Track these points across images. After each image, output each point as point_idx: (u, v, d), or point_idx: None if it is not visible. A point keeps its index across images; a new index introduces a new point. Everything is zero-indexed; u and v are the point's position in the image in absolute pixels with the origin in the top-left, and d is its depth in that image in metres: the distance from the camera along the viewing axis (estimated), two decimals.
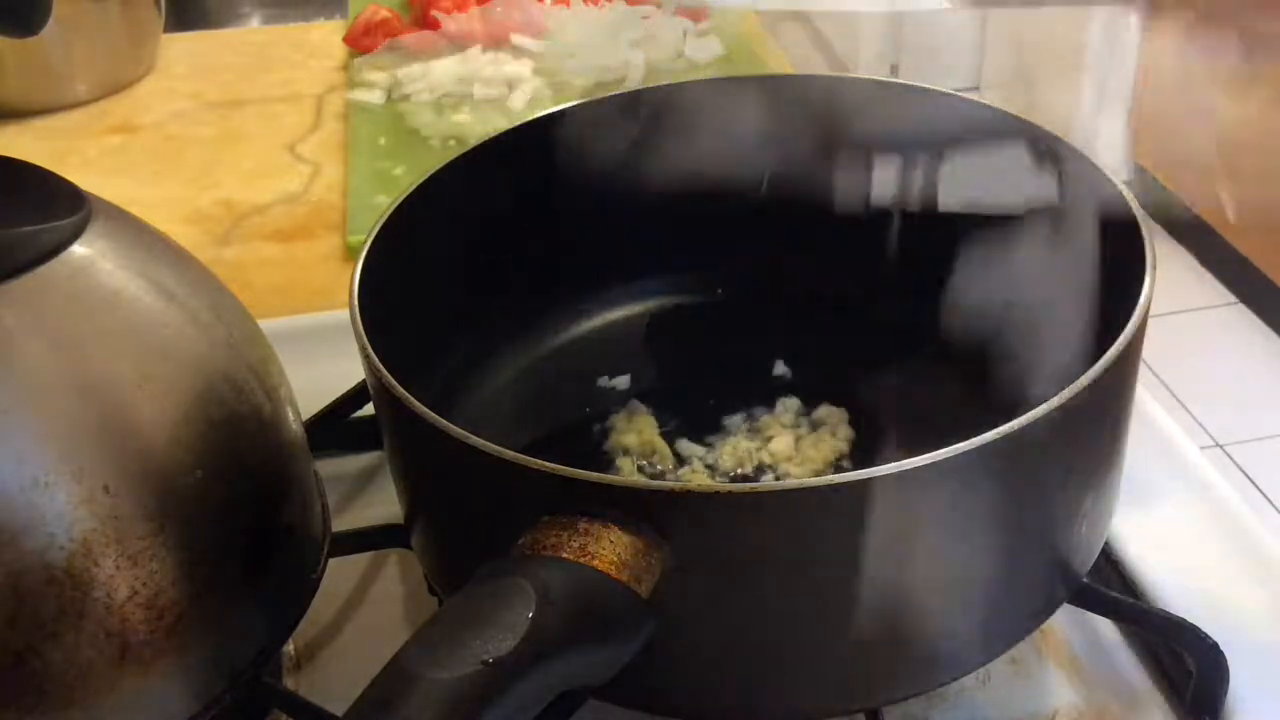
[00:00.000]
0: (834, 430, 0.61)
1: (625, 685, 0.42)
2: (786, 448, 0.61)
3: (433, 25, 1.16)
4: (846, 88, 0.66)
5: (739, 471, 0.60)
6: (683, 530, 0.41)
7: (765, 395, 0.64)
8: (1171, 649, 0.54)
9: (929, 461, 0.40)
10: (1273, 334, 2.31)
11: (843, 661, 0.46)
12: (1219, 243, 2.41)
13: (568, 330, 0.69)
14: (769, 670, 0.46)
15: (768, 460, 0.60)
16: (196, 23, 1.45)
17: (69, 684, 0.43)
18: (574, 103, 0.66)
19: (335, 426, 0.66)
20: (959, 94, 0.62)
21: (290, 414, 0.52)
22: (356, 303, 0.51)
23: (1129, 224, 0.51)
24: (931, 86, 0.63)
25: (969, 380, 0.64)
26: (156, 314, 0.46)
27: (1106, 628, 0.57)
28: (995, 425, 0.41)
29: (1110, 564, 0.59)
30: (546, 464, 0.42)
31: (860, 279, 0.68)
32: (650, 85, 0.67)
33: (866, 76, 0.63)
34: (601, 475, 0.42)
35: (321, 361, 0.65)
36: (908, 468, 0.40)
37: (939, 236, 0.64)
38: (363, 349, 0.48)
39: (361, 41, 1.17)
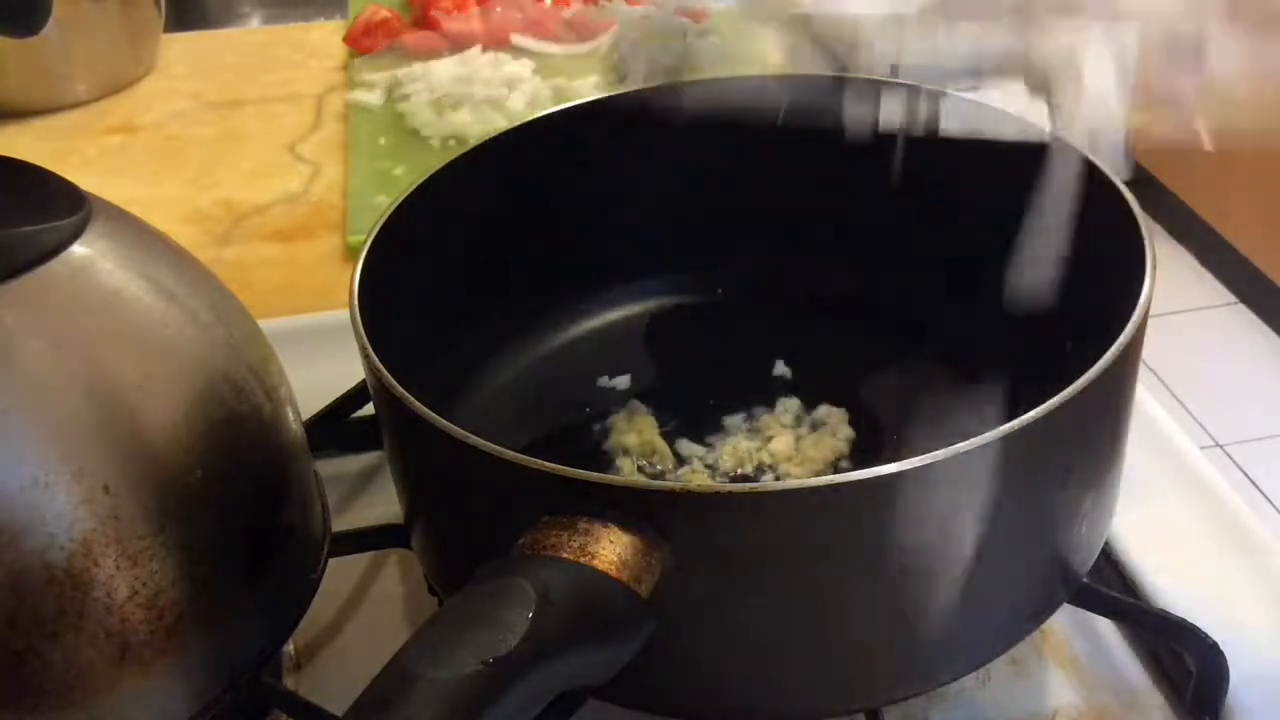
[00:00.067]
0: (834, 430, 0.61)
1: (625, 685, 0.42)
2: (786, 448, 0.61)
3: (433, 25, 1.16)
4: (846, 88, 0.66)
5: (739, 471, 0.60)
6: (683, 530, 0.41)
7: (765, 395, 0.64)
8: (1171, 649, 0.54)
9: (929, 462, 0.40)
10: (1273, 334, 2.31)
11: (843, 661, 0.46)
12: (1219, 243, 2.41)
13: (568, 330, 0.69)
14: (769, 670, 0.46)
15: (768, 460, 0.60)
16: (196, 23, 1.45)
17: (69, 684, 0.43)
18: (574, 103, 0.67)
19: (335, 426, 0.67)
20: (959, 94, 0.62)
21: (290, 414, 0.52)
22: (356, 303, 0.51)
23: (1129, 224, 0.51)
24: (932, 87, 0.63)
25: (969, 380, 0.64)
26: (156, 314, 0.46)
27: (1106, 628, 0.57)
28: (995, 425, 0.41)
29: (1110, 564, 0.59)
30: (546, 464, 0.42)
31: (860, 279, 0.68)
32: (650, 85, 0.67)
33: (866, 76, 0.63)
34: (601, 475, 0.42)
35: (321, 361, 0.65)
36: (908, 468, 0.40)
37: (939, 237, 0.64)
38: (363, 349, 0.48)
39: (361, 41, 1.17)
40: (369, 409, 0.65)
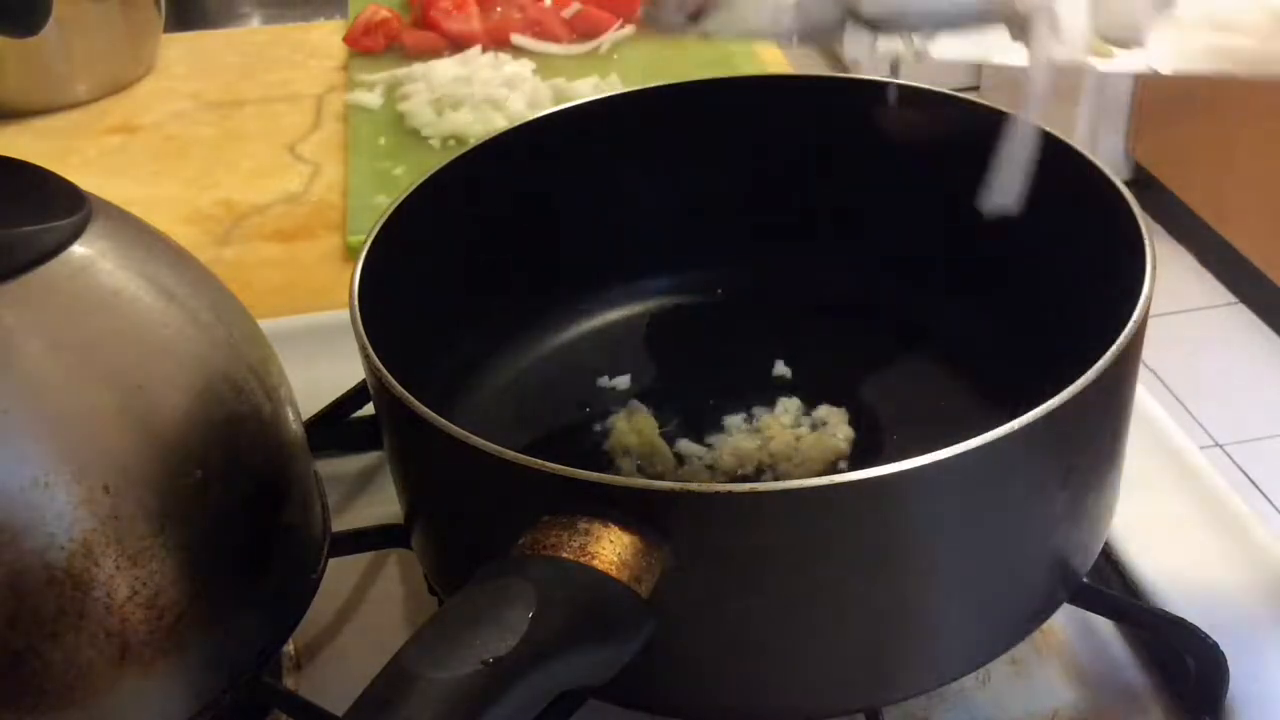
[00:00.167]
0: (834, 430, 0.61)
1: (625, 685, 0.42)
2: (786, 448, 0.60)
3: (433, 25, 1.16)
4: (846, 88, 0.66)
5: (739, 471, 0.60)
6: (683, 530, 0.41)
7: (765, 395, 0.64)
8: (1171, 649, 0.54)
9: (929, 461, 0.40)
10: (1273, 334, 2.31)
11: (843, 661, 0.46)
12: (1219, 243, 2.41)
13: (568, 330, 0.69)
14: (769, 670, 0.46)
15: (768, 460, 0.60)
16: (196, 23, 1.45)
17: (69, 684, 0.43)
18: (574, 103, 0.67)
19: (335, 426, 0.67)
20: (959, 94, 0.62)
21: (290, 414, 0.52)
22: (356, 303, 0.51)
23: (1129, 224, 0.51)
24: (931, 87, 0.63)
25: (969, 380, 0.64)
26: (156, 314, 0.46)
27: (1106, 628, 0.57)
28: (995, 425, 0.41)
29: (1110, 564, 0.59)
30: (546, 464, 0.42)
31: (860, 279, 0.68)
32: (650, 85, 0.67)
33: (866, 76, 0.63)
34: (601, 475, 0.42)
35: (321, 361, 0.65)
36: (907, 468, 0.40)
37: (939, 237, 0.64)
38: (363, 349, 0.48)
39: (361, 41, 1.17)
40: (369, 409, 0.65)
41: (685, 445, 0.61)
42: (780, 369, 0.65)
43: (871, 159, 0.65)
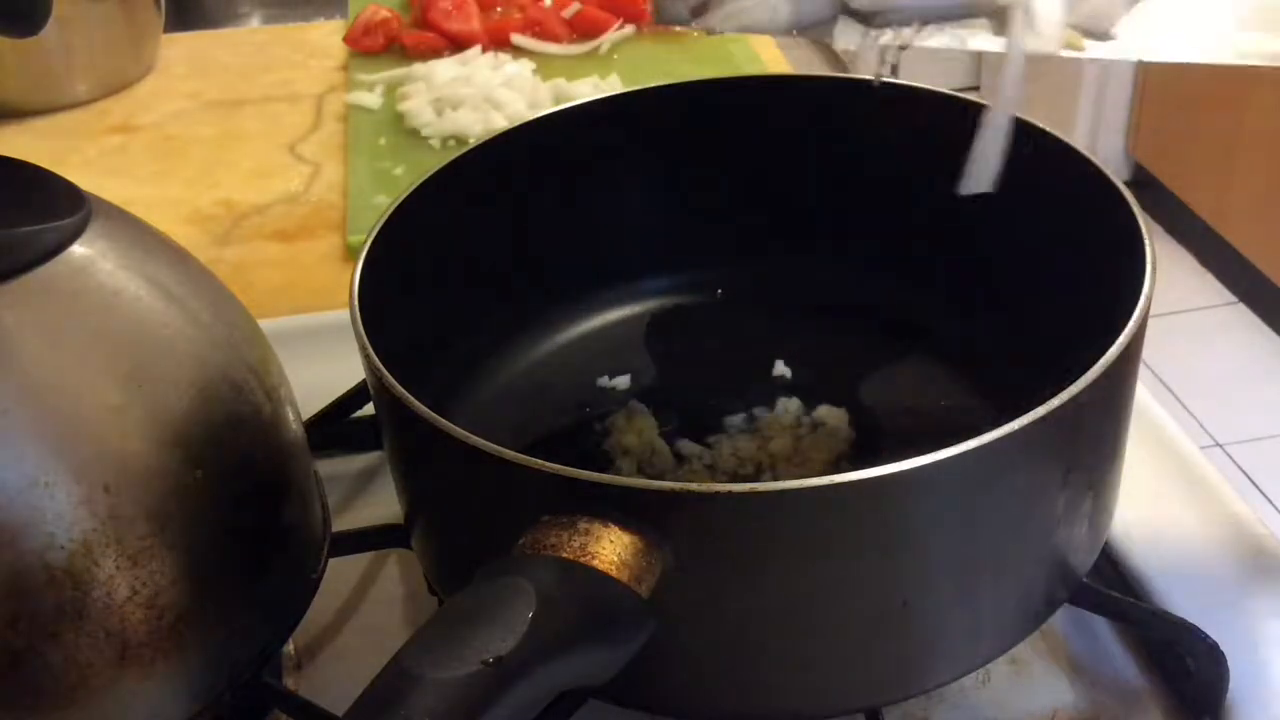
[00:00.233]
0: (834, 430, 0.61)
1: (625, 685, 0.42)
2: (786, 448, 0.61)
3: (433, 25, 1.16)
4: (846, 88, 0.66)
5: (739, 471, 0.60)
6: (683, 530, 0.41)
7: (765, 395, 0.64)
8: (1172, 649, 0.54)
9: (929, 462, 0.40)
10: (1273, 334, 2.31)
11: (843, 661, 0.46)
12: (1219, 243, 2.41)
13: (568, 330, 0.69)
14: (769, 670, 0.46)
15: (767, 460, 0.60)
16: (196, 23, 1.45)
17: (69, 684, 0.43)
18: (574, 103, 0.67)
19: (335, 426, 0.66)
20: (959, 94, 0.62)
21: (290, 414, 0.52)
22: (356, 303, 0.51)
23: (1129, 224, 0.51)
24: (931, 87, 0.63)
25: (969, 380, 0.64)
26: (156, 314, 0.46)
27: (1106, 628, 0.57)
28: (995, 425, 0.41)
29: (1110, 564, 0.59)
30: (546, 464, 0.42)
31: (860, 279, 0.68)
32: (650, 85, 0.67)
33: (866, 76, 0.63)
34: (601, 475, 0.42)
35: (321, 361, 0.65)
36: (908, 468, 0.40)
37: (938, 236, 0.64)
38: (363, 349, 0.48)
39: (361, 41, 1.17)
40: (369, 409, 0.65)
41: (685, 445, 0.61)
42: (780, 369, 0.66)
43: (871, 159, 0.65)
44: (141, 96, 1.16)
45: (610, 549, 0.40)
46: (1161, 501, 0.62)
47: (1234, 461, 2.01)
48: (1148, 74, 2.52)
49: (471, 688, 0.35)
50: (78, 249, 0.45)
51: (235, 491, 0.47)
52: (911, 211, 0.65)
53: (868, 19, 0.45)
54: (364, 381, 0.63)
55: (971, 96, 0.61)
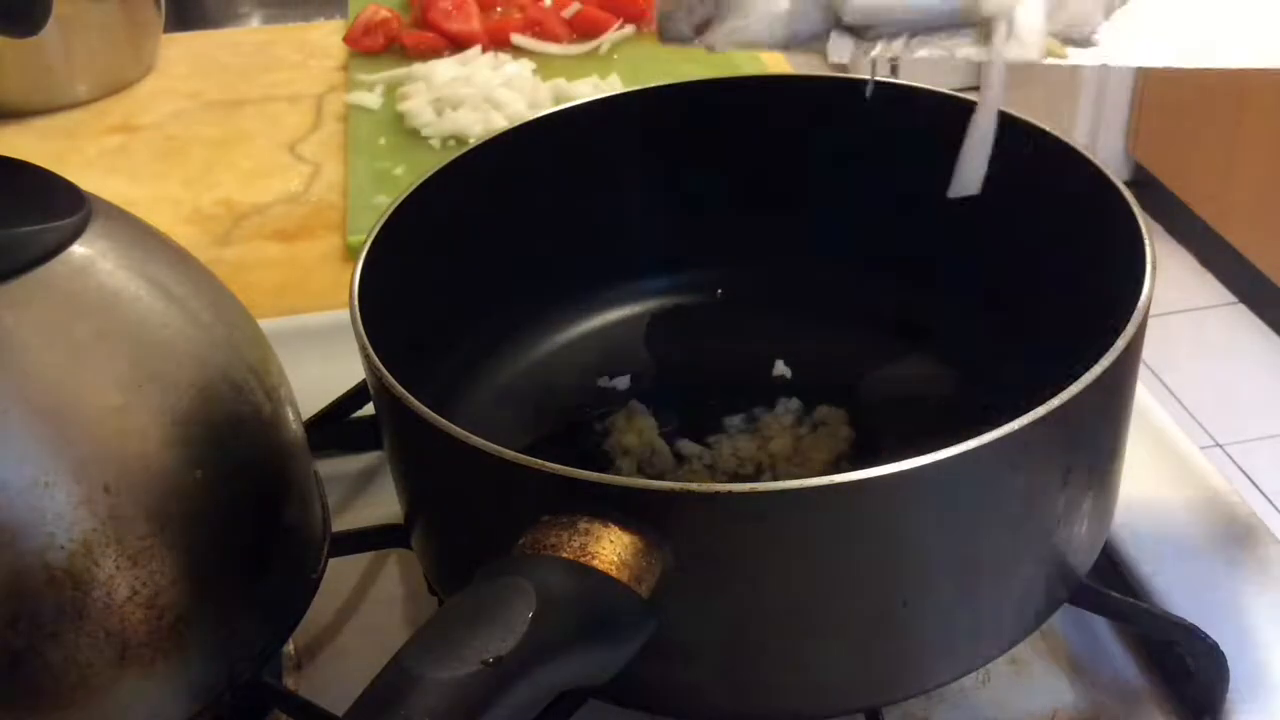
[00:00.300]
0: (834, 430, 0.61)
1: (625, 685, 0.42)
2: (786, 448, 0.60)
3: (433, 25, 1.16)
4: (846, 88, 0.66)
5: (739, 471, 0.60)
6: (683, 530, 0.41)
7: (765, 395, 0.64)
8: (1172, 649, 0.54)
9: (929, 462, 0.40)
10: (1273, 334, 2.31)
11: (842, 661, 0.46)
12: (1219, 243, 2.41)
13: (568, 330, 0.69)
14: (769, 670, 0.46)
15: (767, 460, 0.60)
16: (196, 23, 1.45)
17: (69, 684, 0.43)
18: (574, 103, 0.66)
19: (335, 426, 0.66)
20: (959, 94, 0.62)
21: (290, 414, 0.52)
22: (356, 303, 0.51)
23: (1129, 224, 0.51)
24: (931, 87, 0.63)
25: (969, 380, 0.64)
26: (156, 314, 0.46)
27: (1106, 628, 0.57)
28: (995, 425, 0.41)
29: (1110, 564, 0.59)
30: (546, 464, 0.42)
31: (861, 279, 0.68)
32: (650, 85, 0.67)
33: (866, 76, 0.63)
34: (601, 475, 0.42)
35: (321, 361, 0.65)
36: (908, 468, 0.40)
37: (939, 237, 0.64)
38: (363, 349, 0.48)
39: (361, 41, 1.17)
40: (369, 409, 0.65)
41: (685, 445, 0.61)
42: (780, 369, 0.65)
43: (871, 159, 0.65)
44: (141, 96, 1.16)
45: (610, 549, 0.40)
46: (1161, 502, 0.62)
47: (1234, 461, 2.01)
48: (1148, 74, 2.52)
49: (471, 688, 0.35)
50: (78, 249, 0.45)
51: (235, 492, 0.47)
52: (911, 211, 0.64)
53: (859, 33, 0.46)
54: (364, 381, 0.63)
55: (971, 96, 0.60)
